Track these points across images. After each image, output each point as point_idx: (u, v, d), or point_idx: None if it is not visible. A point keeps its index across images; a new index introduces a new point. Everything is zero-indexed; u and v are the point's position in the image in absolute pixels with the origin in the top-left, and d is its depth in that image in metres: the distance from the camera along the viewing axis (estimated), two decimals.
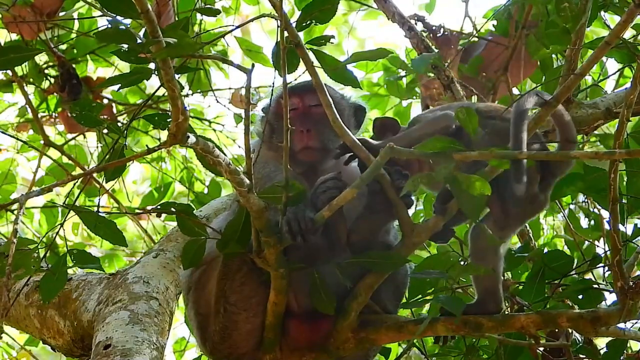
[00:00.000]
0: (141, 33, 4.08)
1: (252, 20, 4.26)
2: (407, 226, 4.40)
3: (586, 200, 6.81)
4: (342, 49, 9.84)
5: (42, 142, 7.90)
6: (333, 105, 4.25)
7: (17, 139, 8.03)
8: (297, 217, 4.23)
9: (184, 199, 8.39)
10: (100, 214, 4.35)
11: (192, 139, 3.94)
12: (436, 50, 6.47)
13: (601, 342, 4.93)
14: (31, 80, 7.85)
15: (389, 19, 6.67)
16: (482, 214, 4.32)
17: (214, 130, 8.45)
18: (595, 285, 4.68)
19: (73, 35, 7.74)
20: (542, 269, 4.67)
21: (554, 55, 6.63)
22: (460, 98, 6.45)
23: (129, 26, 4.03)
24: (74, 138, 8.21)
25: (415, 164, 4.45)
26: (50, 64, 7.83)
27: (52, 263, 4.51)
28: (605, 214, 4.96)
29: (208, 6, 7.18)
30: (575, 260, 4.86)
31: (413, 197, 4.42)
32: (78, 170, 7.83)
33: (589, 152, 4.21)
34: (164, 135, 3.90)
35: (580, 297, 4.65)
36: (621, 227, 4.46)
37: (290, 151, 4.48)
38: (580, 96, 6.10)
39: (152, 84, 8.41)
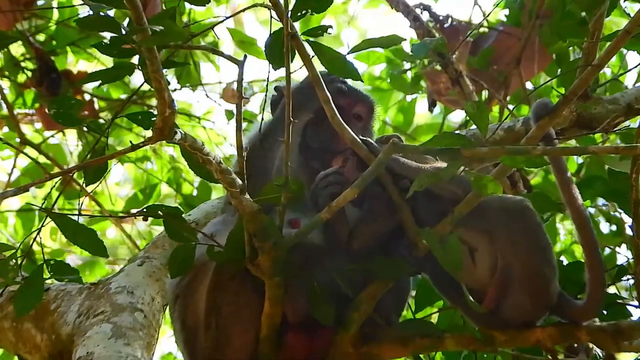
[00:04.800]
0: (125, 23, 4.07)
1: (244, 9, 4.26)
2: (412, 231, 4.39)
3: (607, 203, 6.80)
4: (341, 41, 9.85)
5: (17, 140, 7.89)
6: (331, 101, 4.24)
7: None
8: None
9: (171, 202, 8.39)
10: (80, 219, 4.33)
11: (179, 135, 3.92)
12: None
13: (624, 358, 4.92)
14: (6, 73, 7.84)
15: (392, 8, 6.67)
16: None
17: (204, 128, 8.46)
18: (620, 300, 4.66)
19: (52, 26, 7.73)
20: (562, 282, 4.65)
21: (570, 48, 6.63)
22: (469, 93, 6.45)
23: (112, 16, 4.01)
24: (52, 136, 8.21)
25: None
26: (27, 56, 7.82)
27: (28, 272, 4.49)
28: (628, 218, 4.93)
29: None
30: None
31: None
32: (56, 170, 7.81)
33: (608, 147, 4.20)
34: (149, 133, 3.90)
35: (603, 312, 4.63)
36: None
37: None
38: (599, 91, 6.09)
39: (137, 78, 8.41)
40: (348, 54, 4.30)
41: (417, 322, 4.59)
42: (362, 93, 4.90)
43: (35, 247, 6.58)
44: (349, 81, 4.86)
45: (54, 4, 7.83)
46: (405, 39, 4.39)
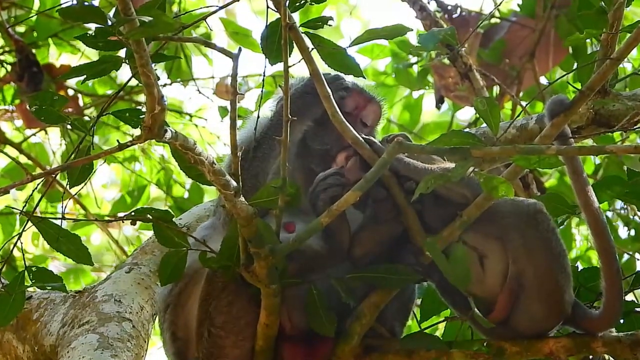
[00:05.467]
0: (111, 13, 4.09)
1: None
2: (418, 236, 4.40)
3: (625, 207, 6.81)
4: (341, 33, 9.87)
5: None
6: (332, 97, 4.26)
7: None
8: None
9: (160, 205, 8.40)
10: (63, 223, 4.34)
11: (169, 133, 3.94)
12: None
13: None
14: None
15: None
16: None
17: (196, 126, 8.47)
18: (638, 309, 4.67)
19: (33, 16, 7.74)
20: (577, 289, 4.67)
21: (587, 40, 6.65)
22: (479, 88, 6.46)
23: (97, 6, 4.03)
24: (33, 134, 8.22)
25: None
26: (7, 48, 7.83)
27: (8, 279, 4.51)
28: None
29: None
30: None
31: None
32: (38, 171, 7.83)
33: (627, 146, 4.22)
34: (137, 132, 3.91)
35: (620, 322, 4.64)
36: None
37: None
38: (618, 87, 6.11)
39: (124, 72, 8.43)
40: (350, 46, 4.31)
41: (422, 336, 4.60)
42: (371, 97, 4.88)
43: (16, 253, 6.61)
44: (357, 81, 4.87)
45: None
46: (411, 30, 4.40)
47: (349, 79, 4.72)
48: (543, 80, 7.29)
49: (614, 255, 4.39)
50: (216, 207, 4.85)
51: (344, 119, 4.29)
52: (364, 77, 4.51)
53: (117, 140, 4.05)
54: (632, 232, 6.69)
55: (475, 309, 4.34)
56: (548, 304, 4.38)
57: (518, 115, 5.68)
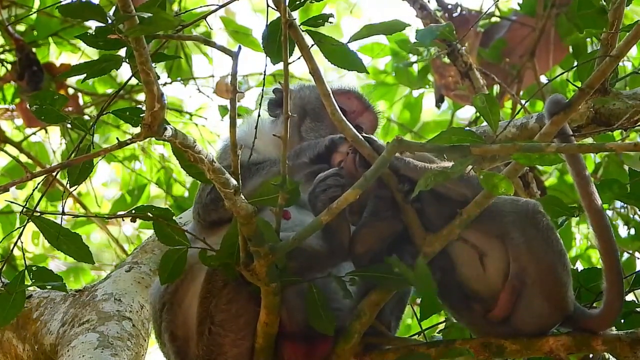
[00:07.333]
0: (111, 12, 4.09)
1: None
2: (418, 236, 4.40)
3: (625, 206, 6.80)
4: (341, 31, 9.88)
5: None
6: (332, 96, 4.26)
7: None
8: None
9: (160, 204, 8.40)
10: (63, 222, 4.34)
11: (169, 131, 3.94)
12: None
13: None
14: None
15: None
16: None
17: (196, 125, 8.47)
18: (639, 309, 4.68)
19: (33, 14, 7.74)
20: (578, 290, 4.68)
21: (588, 39, 6.65)
22: (479, 87, 6.46)
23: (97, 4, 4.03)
24: (34, 133, 8.21)
25: None
26: (7, 47, 7.83)
27: (9, 278, 4.51)
28: None
29: None
30: None
31: None
32: (39, 170, 7.84)
33: (627, 144, 4.21)
34: (138, 131, 3.91)
35: (621, 321, 4.65)
36: None
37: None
38: (619, 85, 6.11)
39: (124, 71, 8.44)
40: (349, 42, 4.31)
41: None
42: (369, 105, 4.94)
43: (16, 252, 6.62)
44: (357, 88, 4.94)
45: None
46: (409, 25, 4.40)
47: (351, 85, 4.77)
48: (543, 79, 7.28)
49: (616, 255, 4.40)
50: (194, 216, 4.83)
51: (343, 117, 4.30)
52: (367, 72, 4.52)
53: (117, 139, 4.04)
54: (632, 231, 6.68)
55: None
56: (551, 300, 4.39)
57: (517, 113, 5.68)
